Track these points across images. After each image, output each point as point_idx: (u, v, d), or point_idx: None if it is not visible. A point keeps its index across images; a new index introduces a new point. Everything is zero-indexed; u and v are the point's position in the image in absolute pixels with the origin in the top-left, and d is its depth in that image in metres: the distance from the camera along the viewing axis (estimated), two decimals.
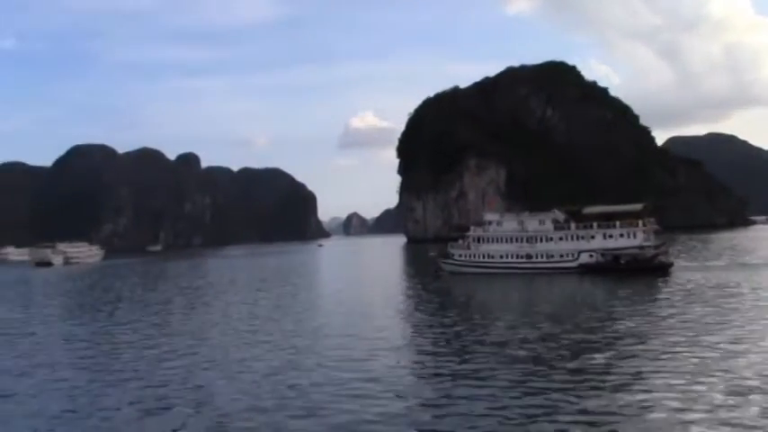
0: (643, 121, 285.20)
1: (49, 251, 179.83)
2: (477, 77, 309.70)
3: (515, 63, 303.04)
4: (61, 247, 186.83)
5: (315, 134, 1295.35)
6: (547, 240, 66.65)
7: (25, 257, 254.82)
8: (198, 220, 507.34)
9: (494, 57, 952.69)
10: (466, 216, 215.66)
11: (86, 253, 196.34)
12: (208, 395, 21.59)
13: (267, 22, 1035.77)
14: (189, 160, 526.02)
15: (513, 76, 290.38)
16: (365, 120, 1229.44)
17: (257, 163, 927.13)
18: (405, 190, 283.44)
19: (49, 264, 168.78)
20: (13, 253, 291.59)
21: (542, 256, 66.27)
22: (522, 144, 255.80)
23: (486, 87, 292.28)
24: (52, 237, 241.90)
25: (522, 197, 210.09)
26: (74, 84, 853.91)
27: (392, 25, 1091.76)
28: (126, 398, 21.88)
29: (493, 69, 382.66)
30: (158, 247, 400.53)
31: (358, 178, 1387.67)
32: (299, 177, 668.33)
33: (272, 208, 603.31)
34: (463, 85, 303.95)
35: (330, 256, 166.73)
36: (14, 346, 35.15)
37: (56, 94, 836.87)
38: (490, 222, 71.36)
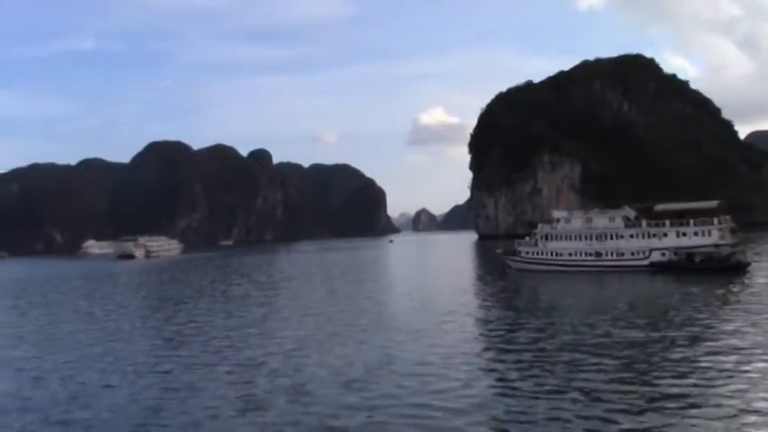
0: (724, 115, 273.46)
1: (131, 245, 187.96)
2: (551, 72, 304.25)
3: (589, 57, 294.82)
4: (142, 240, 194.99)
5: (384, 130, 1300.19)
6: (617, 238, 65.29)
7: (105, 251, 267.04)
8: (269, 215, 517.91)
9: (566, 51, 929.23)
10: (539, 213, 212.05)
11: (166, 247, 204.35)
12: (311, 394, 21.53)
13: (336, 20, 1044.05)
14: (261, 156, 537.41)
15: (588, 70, 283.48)
16: (434, 116, 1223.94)
17: (327, 159, 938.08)
18: (476, 186, 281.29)
19: (131, 257, 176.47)
20: (94, 246, 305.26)
21: (612, 254, 64.96)
22: (597, 139, 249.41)
23: (560, 82, 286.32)
24: (129, 231, 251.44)
25: (598, 194, 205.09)
26: (150, 82, 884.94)
27: (461, 21, 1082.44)
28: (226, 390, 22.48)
29: (567, 64, 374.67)
30: (230, 242, 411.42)
31: (427, 174, 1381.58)
32: (369, 173, 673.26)
33: (341, 204, 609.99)
34: (536, 79, 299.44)
35: (401, 251, 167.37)
36: (113, 336, 37.17)
37: (133, 93, 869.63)
38: (558, 219, 70.52)
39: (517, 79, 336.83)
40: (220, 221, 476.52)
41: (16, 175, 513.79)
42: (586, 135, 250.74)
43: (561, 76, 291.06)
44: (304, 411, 19.36)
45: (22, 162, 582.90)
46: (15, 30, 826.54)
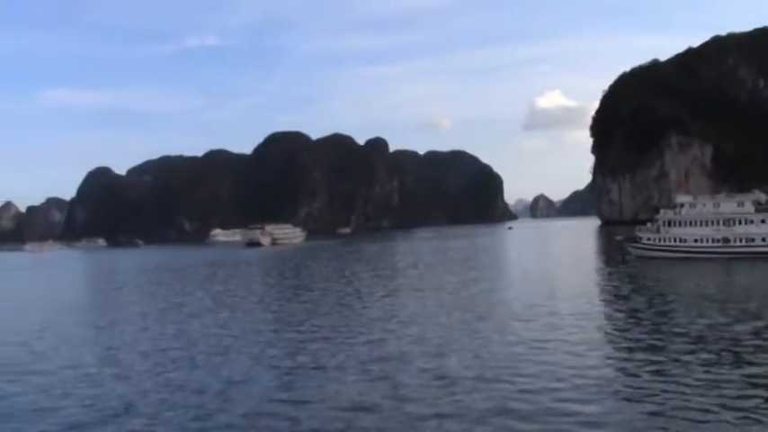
0: None
1: (258, 233, 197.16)
2: (677, 50, 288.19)
3: (720, 32, 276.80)
4: (269, 228, 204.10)
5: (499, 115, 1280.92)
6: (747, 223, 62.45)
7: (231, 239, 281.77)
8: (386, 203, 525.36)
9: (694, 27, 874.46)
10: (667, 197, 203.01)
11: (291, 234, 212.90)
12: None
13: (449, 5, 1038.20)
14: (377, 145, 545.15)
15: (719, 46, 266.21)
16: (552, 99, 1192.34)
17: (442, 146, 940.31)
18: (599, 170, 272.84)
19: (258, 244, 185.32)
20: (220, 234, 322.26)
21: (741, 240, 62.23)
22: (729, 119, 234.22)
23: (688, 59, 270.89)
24: (252, 220, 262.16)
25: (730, 177, 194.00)
26: (270, 75, 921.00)
27: (577, 2, 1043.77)
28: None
29: (695, 40, 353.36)
30: (347, 230, 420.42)
31: (544, 159, 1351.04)
32: (485, 159, 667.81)
33: (458, 190, 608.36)
34: (663, 58, 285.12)
35: (521, 238, 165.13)
36: (250, 321, 40.07)
37: (254, 85, 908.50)
38: (682, 205, 68.16)
39: (641, 59, 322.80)
40: (339, 209, 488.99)
41: (149, 166, 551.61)
42: (718, 115, 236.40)
43: (689, 54, 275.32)
44: (455, 400, 19.92)
45: (154, 154, 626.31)
46: (145, 29, 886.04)
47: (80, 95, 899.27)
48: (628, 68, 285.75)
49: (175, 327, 38.06)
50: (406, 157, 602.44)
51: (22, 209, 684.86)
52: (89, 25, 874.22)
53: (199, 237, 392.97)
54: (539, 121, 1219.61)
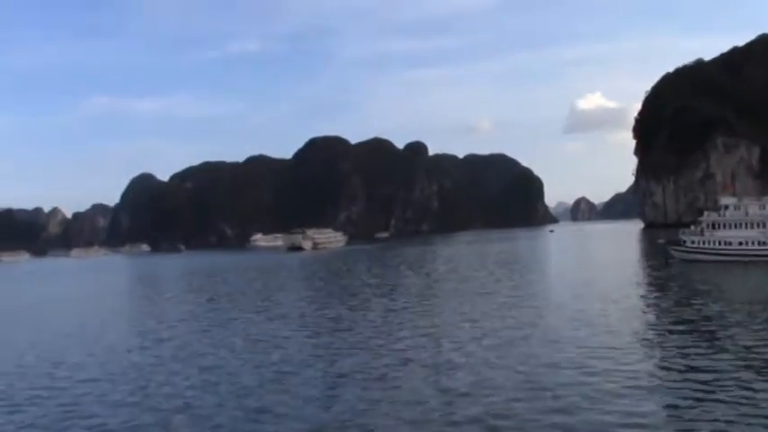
0: None
1: (299, 237, 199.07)
2: (722, 49, 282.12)
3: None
4: (310, 233, 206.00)
5: (539, 118, 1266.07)
6: None
7: (272, 243, 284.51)
8: (425, 206, 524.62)
9: (739, 27, 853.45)
10: (713, 199, 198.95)
11: (332, 239, 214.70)
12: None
13: (488, 9, 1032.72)
14: (417, 148, 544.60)
15: (766, 44, 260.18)
16: (592, 101, 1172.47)
17: (482, 149, 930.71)
18: (641, 172, 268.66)
19: (300, 248, 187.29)
20: (261, 239, 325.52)
21: None
22: None
23: (734, 58, 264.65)
24: (292, 224, 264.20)
25: None
26: (310, 80, 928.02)
27: (617, 3, 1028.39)
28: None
29: (740, 39, 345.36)
30: (386, 234, 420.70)
31: (585, 162, 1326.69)
32: (525, 162, 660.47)
33: (498, 194, 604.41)
34: (707, 58, 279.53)
35: (563, 241, 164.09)
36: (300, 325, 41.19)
37: (294, 91, 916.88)
38: (726, 207, 67.29)
39: (683, 59, 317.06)
40: (378, 214, 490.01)
41: (190, 173, 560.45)
42: (765, 115, 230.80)
43: (735, 53, 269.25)
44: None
45: (196, 160, 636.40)
46: (188, 36, 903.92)
47: (125, 103, 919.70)
48: (671, 69, 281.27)
49: (245, 327, 39.30)
50: (446, 160, 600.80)
51: (69, 215, 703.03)
52: (135, 34, 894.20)
53: (239, 242, 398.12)
54: (579, 123, 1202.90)
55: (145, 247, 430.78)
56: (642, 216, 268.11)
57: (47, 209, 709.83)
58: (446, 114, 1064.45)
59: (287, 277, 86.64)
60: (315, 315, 43.68)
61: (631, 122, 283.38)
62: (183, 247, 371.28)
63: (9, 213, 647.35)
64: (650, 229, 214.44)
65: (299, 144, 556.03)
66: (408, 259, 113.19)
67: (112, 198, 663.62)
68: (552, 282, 58.59)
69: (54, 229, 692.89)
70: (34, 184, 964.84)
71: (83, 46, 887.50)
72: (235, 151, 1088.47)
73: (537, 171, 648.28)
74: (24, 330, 45.07)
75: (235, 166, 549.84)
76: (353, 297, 52.94)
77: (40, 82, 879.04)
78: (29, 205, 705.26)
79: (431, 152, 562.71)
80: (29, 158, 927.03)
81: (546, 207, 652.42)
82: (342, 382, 24.25)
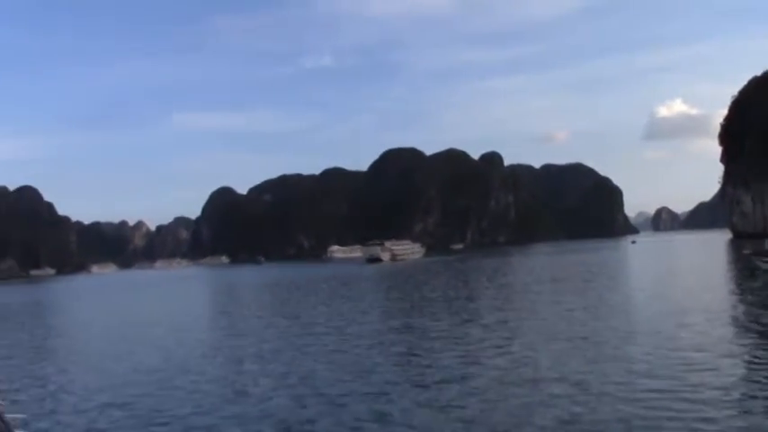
0: None
1: (378, 248, 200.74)
2: None
3: None
4: (388, 244, 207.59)
5: (617, 126, 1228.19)
6: None
7: (348, 255, 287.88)
8: (502, 217, 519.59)
9: None
10: None
11: (410, 250, 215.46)
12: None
13: (562, 16, 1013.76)
14: (492, 159, 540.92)
15: None
16: (673, 108, 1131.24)
17: (558, 158, 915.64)
18: (729, 180, 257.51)
19: (378, 260, 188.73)
20: (338, 251, 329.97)
21: None
22: None
23: None
24: (368, 236, 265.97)
25: None
26: (384, 92, 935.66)
27: (696, 6, 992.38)
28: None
29: None
30: (461, 245, 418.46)
31: (665, 170, 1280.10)
32: (603, 171, 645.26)
33: (576, 204, 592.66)
34: None
35: (646, 253, 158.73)
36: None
37: (368, 104, 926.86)
38: None
39: None
40: (453, 225, 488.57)
41: (268, 186, 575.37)
42: None
43: None
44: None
45: (273, 174, 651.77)
46: (264, 52, 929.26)
47: (205, 118, 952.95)
48: (759, 72, 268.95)
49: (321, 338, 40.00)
50: (522, 170, 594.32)
51: (152, 227, 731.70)
52: (214, 51, 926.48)
53: (317, 253, 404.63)
54: (660, 131, 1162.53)
55: (224, 259, 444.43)
56: (730, 226, 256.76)
57: (132, 222, 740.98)
58: (521, 124, 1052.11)
59: (372, 289, 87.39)
60: (418, 328, 43.67)
61: (714, 129, 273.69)
62: (263, 258, 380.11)
63: (97, 227, 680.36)
64: (739, 239, 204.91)
65: (374, 156, 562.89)
66: (491, 271, 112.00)
67: (194, 211, 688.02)
68: (640, 294, 56.26)
69: (139, 241, 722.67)
70: (120, 198, 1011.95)
71: (165, 64, 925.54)
72: (311, 164, 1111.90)
73: (616, 180, 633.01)
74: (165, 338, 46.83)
75: (311, 178, 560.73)
76: (447, 310, 52.64)
77: (125, 100, 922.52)
78: (115, 219, 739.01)
79: (506, 162, 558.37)
80: (115, 173, 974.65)
81: (626, 217, 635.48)
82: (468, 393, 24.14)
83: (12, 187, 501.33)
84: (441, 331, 40.00)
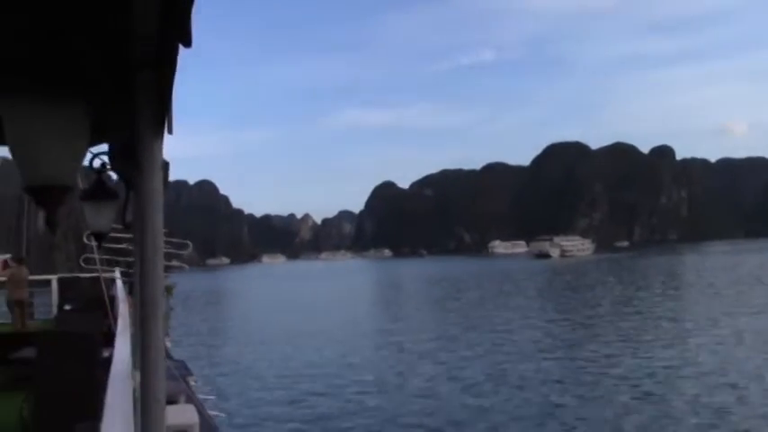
0: None
1: (547, 244, 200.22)
2: None
3: None
4: (557, 240, 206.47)
5: None
6: None
7: (510, 251, 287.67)
8: (673, 214, 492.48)
9: None
10: None
11: (579, 246, 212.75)
12: None
13: (743, 2, 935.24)
14: (663, 153, 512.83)
15: None
16: None
17: (737, 152, 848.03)
18: None
19: (547, 256, 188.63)
20: (500, 246, 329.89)
21: None
22: None
23: None
24: (530, 231, 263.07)
25: None
26: (550, 85, 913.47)
27: None
28: None
29: None
30: (626, 243, 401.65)
31: None
32: None
33: (756, 201, 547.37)
34: None
35: None
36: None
37: (533, 97, 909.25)
38: None
39: None
40: (620, 221, 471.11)
41: (429, 180, 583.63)
42: None
43: None
44: None
45: (434, 168, 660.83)
46: (422, 49, 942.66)
47: (369, 114, 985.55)
48: None
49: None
50: (696, 165, 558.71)
51: (318, 221, 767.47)
52: (375, 49, 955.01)
53: (477, 248, 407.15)
54: None
55: (387, 252, 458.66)
56: None
57: (299, 215, 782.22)
58: (695, 116, 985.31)
59: (549, 289, 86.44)
60: (618, 333, 42.28)
61: None
62: (425, 252, 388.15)
63: (267, 219, 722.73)
64: None
65: (537, 151, 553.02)
66: (667, 270, 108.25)
67: (357, 204, 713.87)
68: None
69: (305, 233, 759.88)
70: (288, 191, 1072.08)
71: (333, 62, 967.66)
72: (472, 159, 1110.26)
73: None
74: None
75: (472, 173, 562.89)
76: (639, 314, 50.79)
77: (293, 97, 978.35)
78: (284, 212, 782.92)
79: (678, 156, 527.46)
80: (284, 168, 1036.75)
81: None
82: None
83: (191, 181, 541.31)
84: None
